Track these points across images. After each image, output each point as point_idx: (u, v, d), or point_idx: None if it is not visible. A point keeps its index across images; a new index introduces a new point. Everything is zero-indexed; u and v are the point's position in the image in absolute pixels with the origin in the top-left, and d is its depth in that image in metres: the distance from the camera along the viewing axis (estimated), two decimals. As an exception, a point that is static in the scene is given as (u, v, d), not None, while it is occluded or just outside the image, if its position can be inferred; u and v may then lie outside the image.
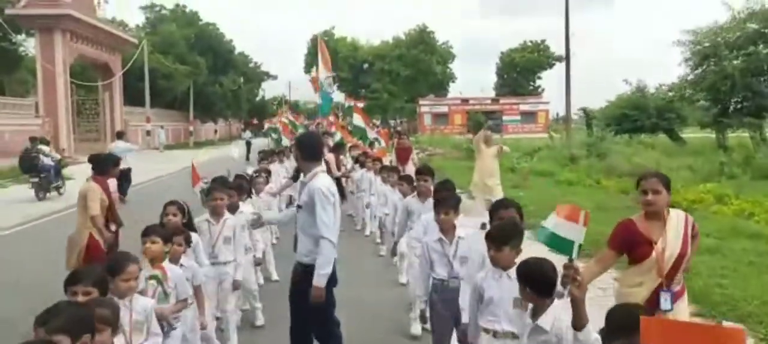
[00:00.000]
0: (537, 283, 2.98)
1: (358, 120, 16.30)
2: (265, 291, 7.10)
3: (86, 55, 34.48)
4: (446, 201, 4.57)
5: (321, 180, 4.56)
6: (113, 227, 6.54)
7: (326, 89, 17.92)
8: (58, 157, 18.21)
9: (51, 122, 30.05)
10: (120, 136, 18.23)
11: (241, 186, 6.48)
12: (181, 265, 4.40)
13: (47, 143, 18.81)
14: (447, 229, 4.50)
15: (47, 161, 16.65)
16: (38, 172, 16.41)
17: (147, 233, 4.19)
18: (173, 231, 4.45)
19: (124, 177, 15.88)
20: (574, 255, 2.85)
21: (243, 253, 5.71)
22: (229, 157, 15.63)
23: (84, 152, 20.68)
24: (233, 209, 5.77)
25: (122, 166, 15.69)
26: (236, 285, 5.55)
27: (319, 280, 4.42)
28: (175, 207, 4.90)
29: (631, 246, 3.91)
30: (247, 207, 6.26)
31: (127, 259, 3.55)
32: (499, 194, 10.48)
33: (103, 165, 6.89)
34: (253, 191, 7.58)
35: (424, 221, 5.22)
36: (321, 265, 4.43)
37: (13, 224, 12.79)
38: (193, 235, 4.88)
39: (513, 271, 3.27)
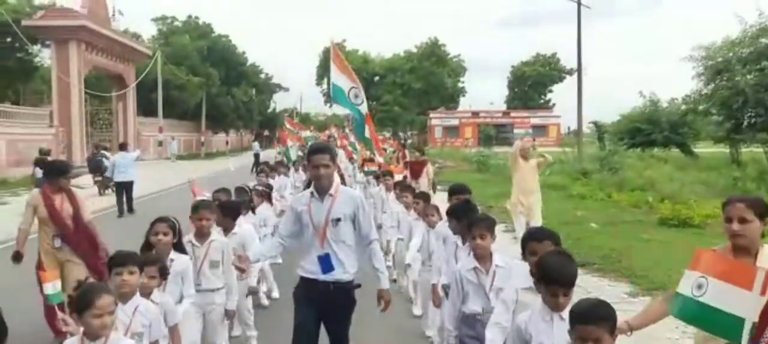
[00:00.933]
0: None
1: (368, 132, 16.08)
2: (262, 317, 6.44)
3: (101, 66, 34.82)
4: (480, 222, 3.95)
5: (353, 188, 4.91)
6: (57, 241, 5.95)
7: (353, 101, 14.63)
8: (110, 156, 21.52)
9: (65, 132, 30.34)
10: (122, 147, 17.98)
11: (234, 206, 5.81)
12: (153, 301, 3.73)
13: (48, 153, 18.83)
14: (483, 256, 3.88)
15: (107, 164, 19.35)
16: (102, 172, 19.89)
17: (123, 261, 3.46)
18: (145, 260, 3.72)
19: (126, 190, 15.77)
20: (744, 341, 1.99)
21: (234, 278, 4.92)
22: (227, 169, 15.75)
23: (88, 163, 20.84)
24: (227, 230, 5.30)
25: (124, 178, 15.69)
26: (229, 315, 4.97)
27: (386, 283, 4.36)
28: (166, 225, 4.30)
29: None
30: (247, 222, 6.04)
31: (99, 290, 2.95)
32: (538, 215, 9.72)
33: (51, 172, 6.42)
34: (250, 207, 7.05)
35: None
36: (383, 268, 4.38)
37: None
38: (184, 259, 4.41)
39: (566, 313, 2.78)
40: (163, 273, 3.92)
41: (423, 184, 10.80)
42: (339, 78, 10.48)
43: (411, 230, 6.58)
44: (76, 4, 32.33)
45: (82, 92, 31.77)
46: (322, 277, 4.15)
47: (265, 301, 7.38)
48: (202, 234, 4.79)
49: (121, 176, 15.74)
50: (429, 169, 12.48)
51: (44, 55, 35.83)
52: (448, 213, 4.87)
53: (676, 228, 11.75)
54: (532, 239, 3.42)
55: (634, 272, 8.38)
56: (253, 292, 5.93)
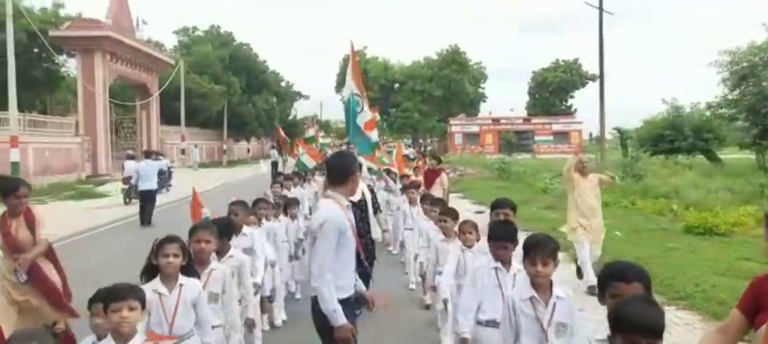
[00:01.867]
0: None
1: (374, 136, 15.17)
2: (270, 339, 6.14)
3: (125, 76, 35.34)
4: (545, 246, 3.34)
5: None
6: (22, 276, 5.10)
7: (354, 108, 13.06)
8: (170, 164, 25.51)
9: (90, 141, 30.82)
10: (148, 155, 17.65)
11: (226, 224, 5.02)
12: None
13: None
14: (542, 285, 3.35)
15: (163, 166, 22.35)
16: (164, 174, 22.18)
17: (122, 296, 2.97)
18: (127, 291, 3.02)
19: (148, 199, 15.32)
20: None
21: (237, 313, 4.38)
22: (253, 175, 15.71)
23: (121, 170, 21.10)
24: (221, 253, 4.65)
25: (148, 187, 15.33)
26: None
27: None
28: (177, 246, 3.71)
29: (758, 308, 2.78)
30: (260, 234, 5.87)
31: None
32: (600, 240, 8.56)
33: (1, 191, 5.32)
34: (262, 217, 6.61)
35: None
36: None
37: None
38: (195, 285, 3.80)
39: None
40: (143, 303, 3.17)
41: (436, 194, 10.13)
42: (350, 82, 10.33)
43: (436, 249, 5.81)
44: (101, 15, 32.94)
45: (106, 101, 32.26)
46: None
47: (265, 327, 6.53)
48: (200, 261, 4.12)
49: (145, 185, 15.35)
50: (443, 179, 11.93)
51: (70, 65, 36.50)
52: (492, 236, 4.12)
53: (701, 237, 11.57)
54: (617, 278, 2.73)
55: (660, 281, 8.24)
56: (250, 326, 5.13)
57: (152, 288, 3.59)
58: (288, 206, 7.68)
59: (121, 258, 10.05)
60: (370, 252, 6.29)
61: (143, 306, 3.07)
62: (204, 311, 3.80)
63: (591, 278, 7.66)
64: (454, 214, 5.94)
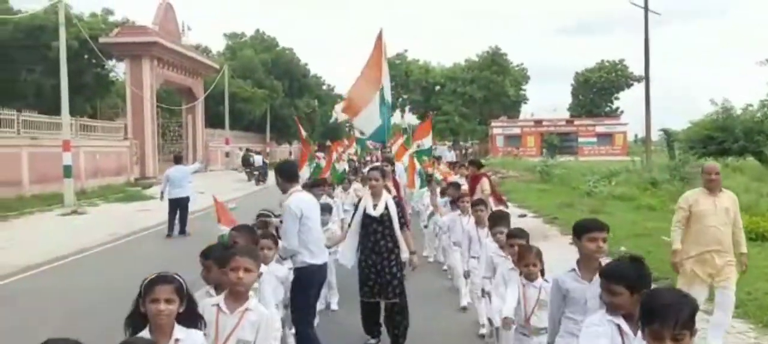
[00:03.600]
0: None
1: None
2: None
3: (171, 80, 36.19)
4: (675, 310, 2.26)
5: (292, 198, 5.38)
6: None
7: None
8: (266, 160, 34.26)
9: (138, 144, 31.67)
10: (177, 160, 15.70)
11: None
12: None
13: None
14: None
15: (259, 161, 32.04)
16: (252, 167, 31.81)
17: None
18: None
19: (181, 208, 14.12)
20: None
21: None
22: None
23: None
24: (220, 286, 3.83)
25: (179, 195, 13.92)
26: None
27: None
28: (170, 289, 2.81)
29: None
30: (266, 280, 5.20)
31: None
32: (732, 282, 5.98)
33: None
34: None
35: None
36: None
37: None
38: (196, 339, 2.91)
39: None
40: None
41: None
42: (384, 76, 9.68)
43: (505, 278, 4.75)
44: (148, 21, 33.82)
45: (154, 106, 33.09)
46: None
47: None
48: (236, 296, 3.28)
49: (176, 192, 13.98)
50: (483, 185, 10.41)
51: (119, 70, 37.56)
52: (608, 285, 2.94)
53: (753, 242, 11.18)
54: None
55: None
56: None
57: None
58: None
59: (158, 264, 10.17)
60: (391, 285, 6.05)
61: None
62: None
63: None
64: (525, 236, 4.85)
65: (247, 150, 36.61)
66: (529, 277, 4.33)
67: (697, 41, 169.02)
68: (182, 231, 14.11)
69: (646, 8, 29.62)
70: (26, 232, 15.15)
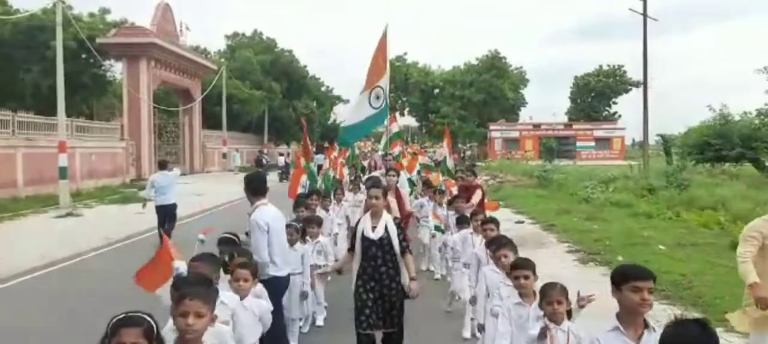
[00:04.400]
0: None
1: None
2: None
3: (168, 81, 36.10)
4: None
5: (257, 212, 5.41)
6: None
7: (372, 104, 10.56)
8: (288, 160, 36.37)
9: (135, 145, 31.56)
10: (162, 165, 14.53)
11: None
12: None
13: None
14: None
15: (281, 161, 35.16)
16: (264, 166, 33.79)
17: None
18: None
19: (167, 215, 13.42)
20: None
21: None
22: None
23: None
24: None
25: (165, 201, 13.29)
26: None
27: None
28: (137, 333, 2.52)
29: None
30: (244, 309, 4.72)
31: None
32: None
33: None
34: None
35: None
36: None
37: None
38: None
39: None
40: None
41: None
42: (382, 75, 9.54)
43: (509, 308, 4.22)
44: (146, 22, 33.74)
45: (151, 106, 33.01)
46: None
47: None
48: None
49: (162, 199, 13.31)
50: (475, 198, 9.71)
51: (115, 70, 37.43)
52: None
53: (750, 252, 11.15)
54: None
55: (707, 301, 7.97)
56: None
57: None
58: (307, 225, 6.88)
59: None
60: (390, 315, 5.50)
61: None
62: None
63: None
64: (531, 267, 4.19)
65: (260, 151, 39.99)
66: (554, 318, 3.57)
67: (694, 48, 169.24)
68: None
69: (644, 15, 29.64)
70: (21, 234, 15.06)
